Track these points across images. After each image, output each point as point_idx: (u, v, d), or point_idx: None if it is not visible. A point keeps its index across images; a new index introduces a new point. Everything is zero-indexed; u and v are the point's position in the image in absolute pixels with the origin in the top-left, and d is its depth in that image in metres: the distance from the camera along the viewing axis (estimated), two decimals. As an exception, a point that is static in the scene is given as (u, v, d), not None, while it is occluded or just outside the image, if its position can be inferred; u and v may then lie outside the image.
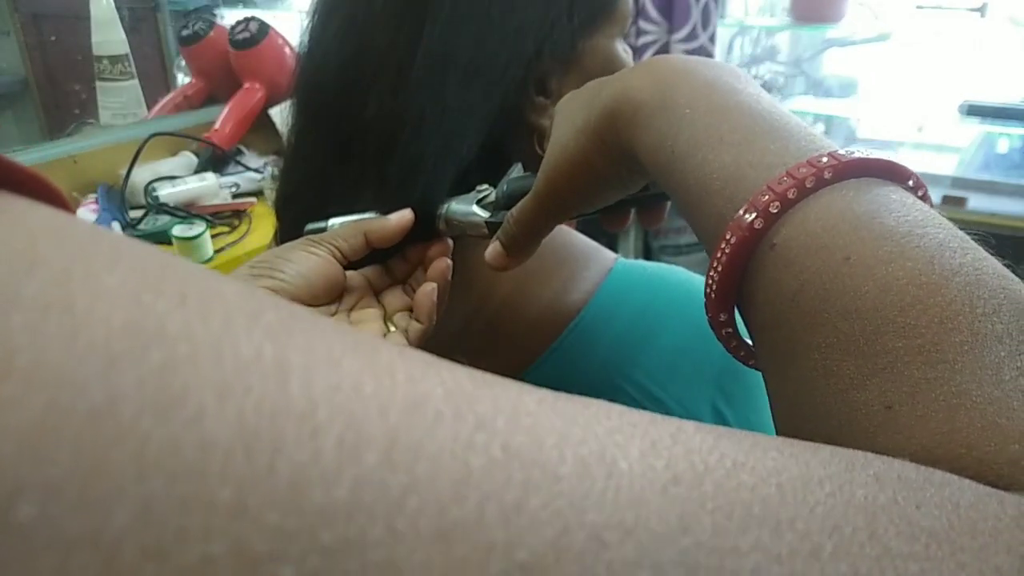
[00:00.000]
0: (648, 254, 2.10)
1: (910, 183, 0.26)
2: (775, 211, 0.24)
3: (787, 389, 0.25)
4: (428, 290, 0.42)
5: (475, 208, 0.42)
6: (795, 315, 0.24)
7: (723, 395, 0.47)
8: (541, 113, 0.45)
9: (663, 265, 0.51)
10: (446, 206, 0.43)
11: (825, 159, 0.24)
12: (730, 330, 0.29)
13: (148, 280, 0.13)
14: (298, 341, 0.14)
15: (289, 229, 0.47)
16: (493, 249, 0.39)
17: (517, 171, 0.43)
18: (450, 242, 0.45)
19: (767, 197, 0.24)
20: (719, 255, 0.26)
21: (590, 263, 0.50)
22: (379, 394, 0.13)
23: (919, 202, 0.25)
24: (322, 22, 0.45)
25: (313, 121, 0.46)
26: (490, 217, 0.41)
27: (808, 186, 0.24)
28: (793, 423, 0.24)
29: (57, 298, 0.12)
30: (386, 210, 0.43)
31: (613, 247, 2.00)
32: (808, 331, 0.23)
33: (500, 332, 0.48)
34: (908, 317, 0.21)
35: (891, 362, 0.21)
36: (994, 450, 0.19)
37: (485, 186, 0.42)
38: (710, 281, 0.27)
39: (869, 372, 0.21)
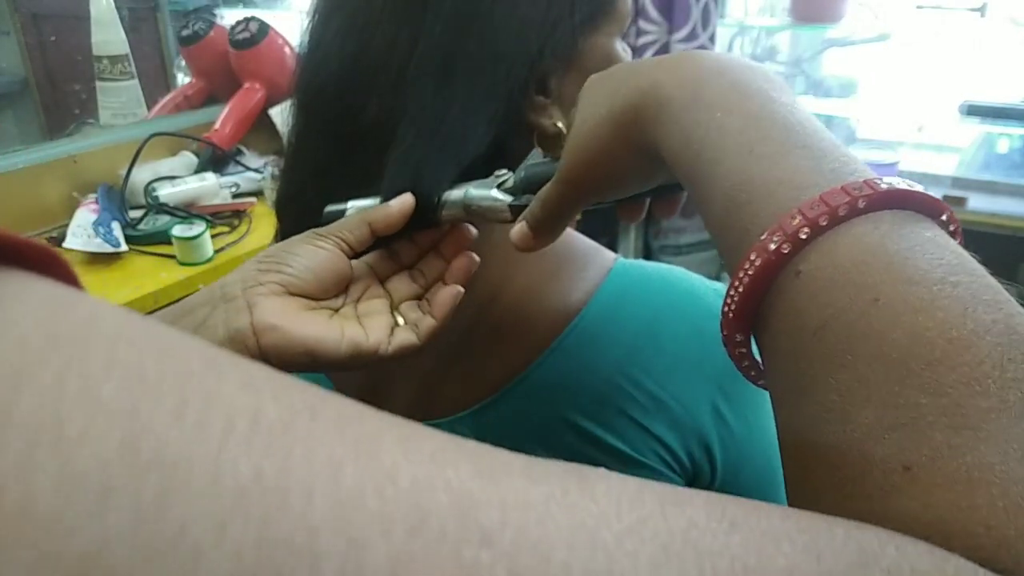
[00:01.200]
0: (648, 254, 2.10)
1: (943, 218, 0.25)
2: (804, 237, 0.23)
3: (798, 423, 0.24)
4: (454, 292, 0.42)
5: (495, 192, 0.42)
6: (816, 351, 0.23)
7: (723, 394, 0.48)
8: (541, 112, 0.45)
9: (663, 265, 0.51)
10: (464, 191, 0.42)
11: (860, 187, 0.23)
12: (744, 350, 0.28)
13: (146, 385, 0.13)
14: (298, 451, 0.13)
15: (290, 229, 0.47)
16: (519, 229, 0.39)
17: (536, 156, 0.43)
18: (474, 231, 0.44)
19: (797, 221, 0.23)
20: (741, 275, 0.25)
21: (590, 263, 0.50)
22: (383, 510, 0.13)
23: (953, 243, 0.24)
24: (322, 22, 0.45)
25: (314, 121, 0.46)
26: (514, 200, 0.41)
27: (840, 214, 0.23)
28: (801, 460, 0.24)
29: (49, 420, 0.11)
30: None
31: (613, 247, 2.00)
32: (828, 370, 0.22)
33: (502, 332, 0.48)
34: (935, 373, 0.20)
35: (913, 419, 0.20)
36: (1014, 535, 0.18)
37: (503, 171, 0.42)
38: (729, 300, 0.26)
39: (889, 425, 0.20)
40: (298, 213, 0.47)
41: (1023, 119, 1.64)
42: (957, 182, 1.79)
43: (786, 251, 0.24)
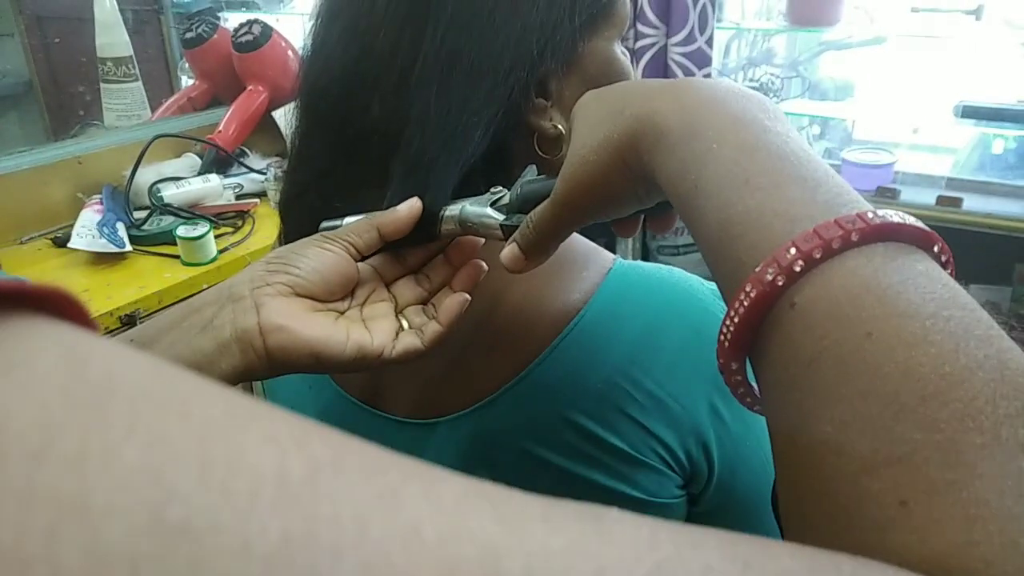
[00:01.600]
0: (646, 254, 2.11)
1: (936, 249, 0.25)
2: (798, 270, 0.24)
3: (795, 456, 0.24)
4: (461, 300, 0.43)
5: (489, 210, 0.42)
6: (810, 383, 0.23)
7: (720, 394, 0.48)
8: (541, 115, 0.46)
9: (661, 266, 0.52)
10: (460, 207, 0.43)
11: (853, 220, 0.24)
12: (739, 378, 0.28)
13: (169, 447, 0.12)
14: (324, 511, 0.13)
15: (294, 230, 0.48)
16: (510, 251, 0.39)
17: (531, 173, 0.43)
18: (481, 241, 0.45)
19: (792, 254, 0.24)
20: (737, 305, 0.25)
21: (589, 264, 0.51)
22: (410, 566, 0.13)
23: (945, 276, 0.24)
24: (325, 26, 0.46)
25: (317, 124, 0.47)
26: (505, 220, 0.41)
27: (834, 247, 0.23)
28: (797, 492, 0.24)
29: (74, 492, 0.11)
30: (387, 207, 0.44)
31: (611, 247, 2.02)
32: (823, 403, 0.22)
33: (503, 333, 0.49)
34: (929, 409, 0.20)
35: (908, 453, 0.20)
36: (1012, 571, 0.18)
37: (499, 188, 0.43)
38: (724, 330, 0.26)
39: (884, 460, 0.20)
40: (301, 214, 0.47)
41: (1018, 120, 1.65)
42: (952, 183, 1.81)
43: (781, 283, 0.24)
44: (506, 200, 0.42)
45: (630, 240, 2.02)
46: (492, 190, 0.43)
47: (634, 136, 0.32)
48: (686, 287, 0.50)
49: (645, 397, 0.47)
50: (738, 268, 0.26)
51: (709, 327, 0.49)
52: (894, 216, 0.24)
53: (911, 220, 0.25)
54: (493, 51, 0.43)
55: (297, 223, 0.47)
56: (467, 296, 0.43)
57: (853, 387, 0.22)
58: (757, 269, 0.24)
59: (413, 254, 0.46)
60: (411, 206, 0.42)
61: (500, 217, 0.42)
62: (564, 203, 0.36)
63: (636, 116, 0.32)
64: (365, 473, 0.15)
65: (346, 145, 0.45)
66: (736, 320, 0.25)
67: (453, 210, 0.43)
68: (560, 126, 0.47)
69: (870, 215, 0.24)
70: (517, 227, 0.40)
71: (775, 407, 0.25)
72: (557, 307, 0.48)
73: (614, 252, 0.53)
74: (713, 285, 0.52)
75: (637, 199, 0.35)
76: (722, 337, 0.26)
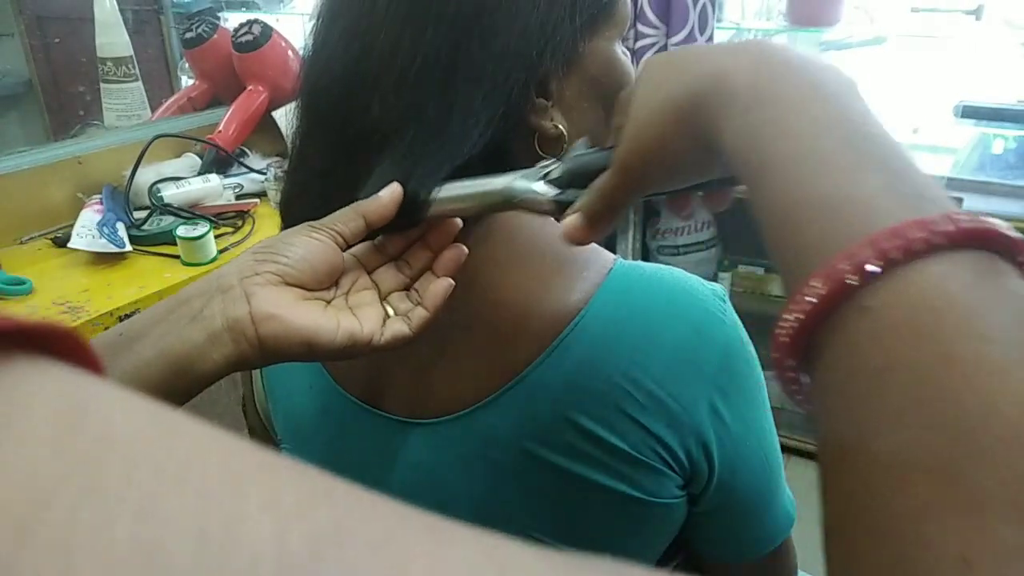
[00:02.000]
0: (646, 254, 2.11)
1: (1022, 259, 0.23)
2: (874, 270, 0.21)
3: (848, 482, 0.21)
4: (445, 285, 0.43)
5: (539, 184, 0.41)
6: (874, 399, 0.21)
7: (720, 394, 0.48)
8: (541, 114, 0.46)
9: (662, 266, 0.52)
10: (507, 181, 0.42)
11: (939, 221, 0.21)
12: (793, 375, 0.25)
13: (165, 518, 0.12)
14: None
15: (305, 209, 0.47)
16: (573, 221, 0.38)
17: (582, 146, 0.42)
18: (459, 223, 0.45)
19: (868, 252, 0.21)
20: (801, 301, 0.23)
21: (590, 264, 0.51)
22: None
23: None
24: (326, 26, 0.46)
25: (317, 124, 0.47)
26: (558, 195, 0.41)
27: (917, 250, 0.21)
28: (847, 527, 0.21)
29: (59, 573, 0.10)
30: None
31: (612, 247, 2.01)
32: (887, 426, 0.20)
33: (502, 331, 0.49)
34: (1008, 454, 0.18)
35: (979, 504, 0.18)
36: None
37: (549, 161, 0.42)
38: (785, 325, 0.24)
39: (951, 506, 0.18)
40: (302, 214, 0.47)
41: (1018, 120, 1.66)
42: (952, 183, 1.81)
43: (853, 283, 0.22)
44: (556, 173, 0.41)
45: (630, 240, 2.02)
46: (541, 164, 0.42)
47: (699, 95, 0.29)
48: (687, 287, 0.50)
49: (645, 397, 0.47)
50: (804, 258, 0.23)
51: (709, 327, 0.49)
52: (985, 222, 0.22)
53: (1003, 226, 0.22)
54: (494, 52, 0.43)
55: (297, 222, 0.47)
56: (451, 281, 0.43)
57: (923, 414, 0.19)
58: (829, 265, 0.22)
59: (393, 241, 0.46)
60: (392, 191, 0.42)
61: (552, 191, 0.41)
62: (624, 169, 0.34)
63: (704, 74, 0.29)
64: (370, 545, 0.14)
65: (346, 145, 0.45)
66: (801, 316, 0.23)
67: (498, 182, 0.42)
68: (561, 126, 0.47)
69: (960, 217, 0.22)
70: (569, 202, 0.39)
71: (831, 414, 0.23)
72: (557, 307, 0.48)
73: (614, 251, 0.54)
74: (714, 286, 0.52)
75: (699, 165, 0.33)
76: (781, 332, 0.24)
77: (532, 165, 0.44)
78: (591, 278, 0.49)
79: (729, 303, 0.52)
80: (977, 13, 1.72)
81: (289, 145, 0.51)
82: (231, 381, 1.12)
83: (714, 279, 2.12)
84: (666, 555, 0.57)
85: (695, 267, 2.07)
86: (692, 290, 0.50)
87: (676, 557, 0.60)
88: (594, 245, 0.53)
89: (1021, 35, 1.61)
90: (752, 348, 0.52)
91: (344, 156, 0.46)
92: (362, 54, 0.44)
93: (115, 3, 1.38)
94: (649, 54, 1.75)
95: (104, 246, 1.06)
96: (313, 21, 0.48)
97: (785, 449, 2.41)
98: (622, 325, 0.48)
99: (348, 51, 0.44)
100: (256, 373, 0.63)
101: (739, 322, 0.51)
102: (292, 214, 0.49)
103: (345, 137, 0.45)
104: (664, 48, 1.74)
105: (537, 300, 0.49)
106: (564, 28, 0.45)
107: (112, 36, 1.39)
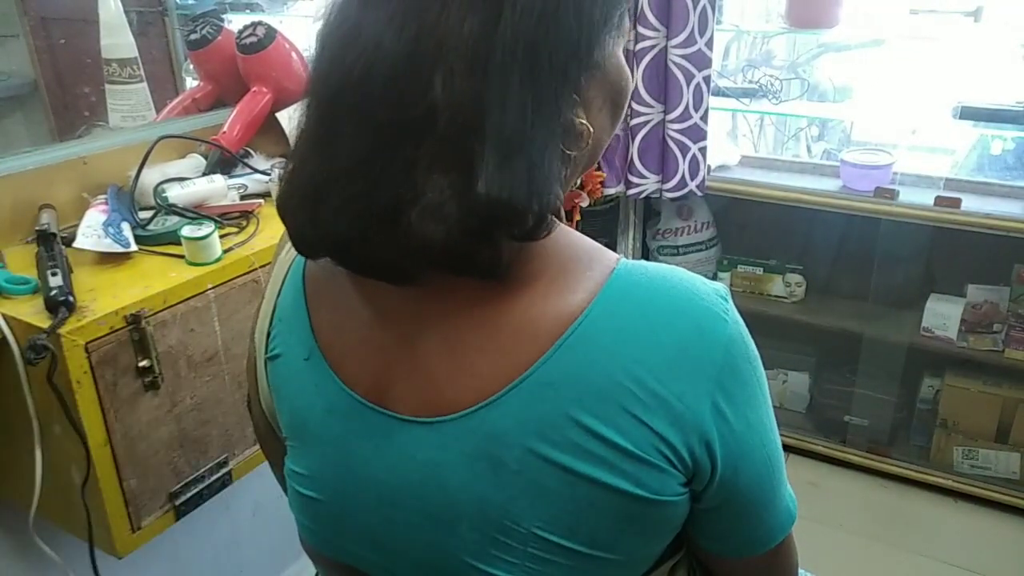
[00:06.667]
0: (646, 254, 2.12)
1: None
2: None
3: None
4: None
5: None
6: None
7: (723, 392, 0.49)
8: (576, 110, 0.48)
9: (665, 265, 0.52)
10: None
11: None
12: None
13: None
14: None
15: (334, 215, 0.47)
16: None
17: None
18: None
19: None
20: None
21: (594, 263, 0.51)
22: None
23: None
24: (359, 13, 0.46)
25: (349, 114, 0.46)
26: None
27: None
28: None
29: None
30: (485, 191, 0.44)
31: (613, 248, 2.02)
32: None
33: (507, 330, 0.49)
34: None
35: None
36: None
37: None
38: None
39: None
40: (345, 199, 0.47)
41: (1016, 121, 1.66)
42: (951, 183, 1.82)
43: None
44: None
45: (630, 240, 2.03)
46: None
47: None
48: (690, 286, 0.51)
49: (649, 396, 0.47)
50: None
51: (712, 326, 0.50)
52: None
53: None
54: (561, 42, 0.45)
55: (338, 209, 0.47)
56: None
57: None
58: None
59: None
60: None
61: None
62: None
63: None
64: None
65: (388, 132, 0.45)
66: None
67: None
68: (586, 123, 0.48)
69: None
70: None
71: None
72: (561, 306, 0.49)
73: (615, 251, 0.54)
74: (717, 285, 0.53)
75: None
76: None
77: (556, 158, 0.46)
78: (595, 277, 0.50)
79: (732, 302, 0.52)
80: (976, 15, 1.73)
81: (293, 144, 0.51)
82: (235, 380, 1.13)
83: (713, 279, 2.13)
84: (669, 551, 0.58)
85: (694, 267, 2.08)
86: (695, 289, 0.51)
87: (678, 552, 0.61)
88: (598, 245, 0.54)
89: (1020, 36, 1.62)
90: (754, 346, 0.53)
91: (384, 145, 0.45)
92: (421, 34, 0.44)
93: (120, 4, 1.39)
94: (649, 56, 1.76)
95: (109, 246, 1.07)
96: (326, 20, 0.48)
97: (785, 448, 2.43)
98: (626, 324, 0.48)
99: (402, 32, 0.44)
100: (261, 372, 0.64)
101: (741, 320, 0.52)
102: (328, 199, 0.48)
103: (386, 124, 0.45)
104: (664, 50, 1.75)
105: (541, 299, 0.49)
106: (605, 28, 0.48)
107: (117, 37, 1.40)
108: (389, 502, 0.53)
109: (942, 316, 1.83)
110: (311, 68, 0.50)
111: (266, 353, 0.62)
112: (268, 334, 0.62)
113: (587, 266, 0.51)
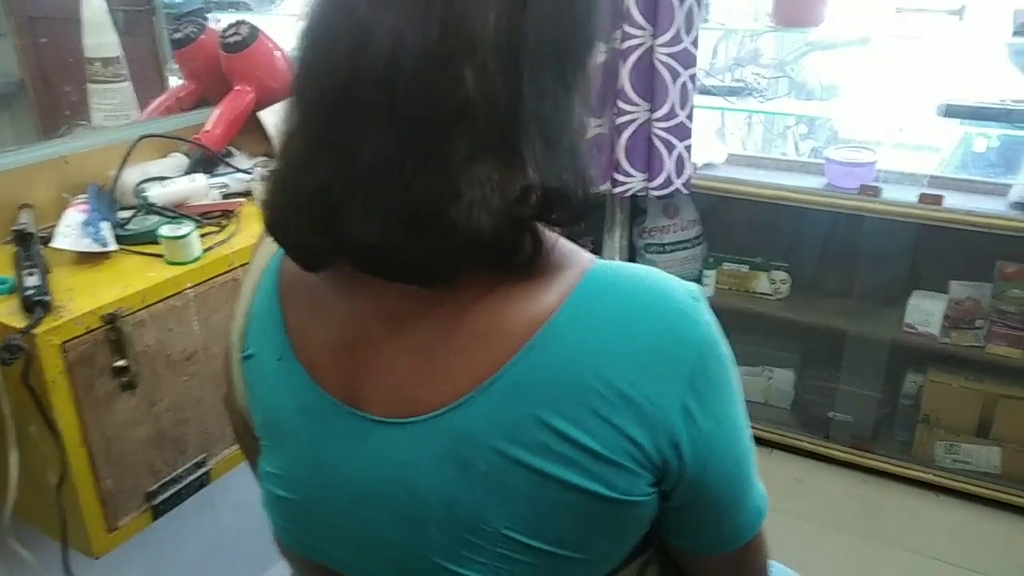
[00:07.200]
0: (632, 252, 2.12)
1: None
2: None
3: None
4: None
5: None
6: None
7: (693, 393, 0.49)
8: (584, 104, 0.50)
9: (640, 266, 0.52)
10: None
11: None
12: None
13: None
14: None
15: (361, 221, 0.46)
16: None
17: None
18: None
19: None
20: None
21: (567, 265, 0.51)
22: None
23: None
24: (372, 14, 0.44)
25: (374, 110, 0.45)
26: None
27: None
28: None
29: None
30: (539, 179, 0.45)
31: (599, 246, 2.03)
32: None
33: (478, 332, 0.49)
34: None
35: None
36: None
37: None
38: None
39: None
40: (386, 196, 0.45)
41: (999, 119, 1.67)
42: (934, 181, 1.82)
43: None
44: None
45: (617, 239, 2.03)
46: None
47: None
48: (663, 288, 0.51)
49: (618, 398, 0.47)
50: None
51: (683, 328, 0.50)
52: None
53: None
54: (580, 36, 0.48)
55: (377, 205, 0.46)
56: None
57: None
58: None
59: None
60: None
61: None
62: None
63: None
64: None
65: (428, 125, 0.44)
66: None
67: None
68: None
69: None
70: None
71: None
72: (533, 308, 0.49)
73: (601, 251, 0.55)
74: (690, 285, 0.53)
75: None
76: None
77: (585, 146, 0.49)
78: (567, 279, 0.50)
79: (704, 301, 0.52)
80: (960, 13, 1.73)
81: (288, 158, 0.50)
82: (214, 379, 1.13)
83: (699, 276, 2.14)
84: (639, 548, 0.58)
85: (681, 265, 2.09)
86: (667, 290, 0.51)
87: (648, 549, 0.61)
88: (574, 246, 0.53)
89: (1004, 34, 1.62)
90: (726, 346, 0.53)
91: (417, 143, 0.44)
92: (446, 30, 0.43)
93: (103, 3, 1.39)
94: (635, 55, 1.76)
95: (88, 245, 1.07)
96: (323, 13, 0.47)
97: (768, 443, 2.42)
98: (597, 326, 0.48)
99: (426, 28, 0.43)
100: (237, 371, 0.64)
101: (713, 321, 0.52)
102: (332, 222, 0.47)
103: (422, 119, 0.44)
104: (650, 49, 1.75)
105: (513, 301, 0.49)
106: (601, 29, 0.50)
107: (100, 36, 1.40)
108: (361, 502, 0.54)
109: (925, 312, 1.84)
110: (303, 71, 0.48)
111: (241, 352, 0.62)
112: (243, 333, 0.62)
113: (561, 267, 0.51)
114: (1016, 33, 1.57)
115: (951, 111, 1.71)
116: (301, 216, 0.49)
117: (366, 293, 0.52)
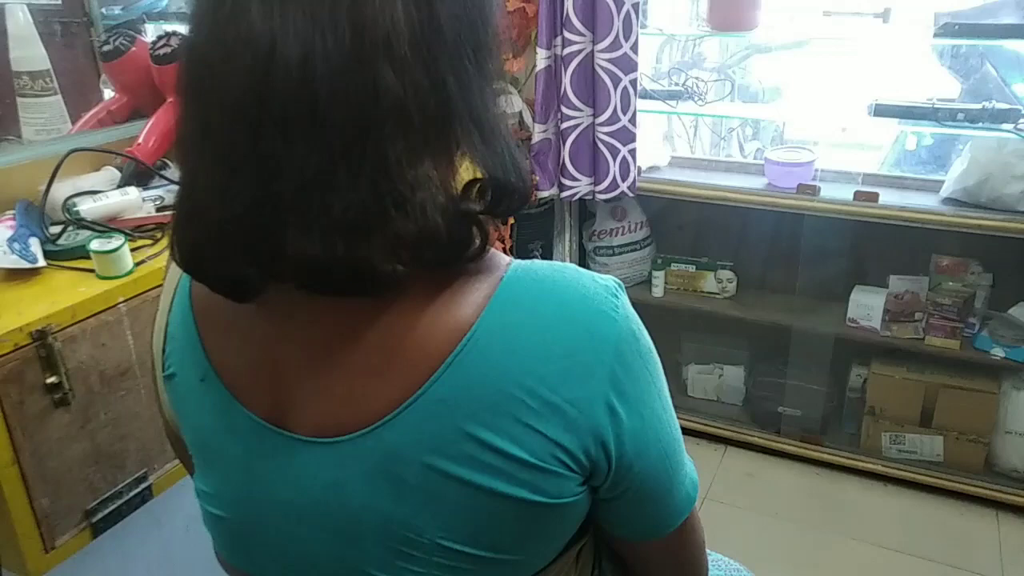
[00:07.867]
0: (582, 255, 2.14)
1: None
2: None
3: None
4: None
5: None
6: None
7: (616, 391, 0.49)
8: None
9: (556, 265, 0.52)
10: None
11: None
12: None
13: None
14: None
15: (301, 238, 0.44)
16: None
17: None
18: None
19: None
20: None
21: (483, 273, 0.51)
22: None
23: None
24: (281, 17, 0.42)
25: (295, 120, 0.42)
26: None
27: None
28: None
29: None
30: (485, 174, 0.46)
31: (548, 250, 2.04)
32: None
33: (400, 350, 0.49)
34: None
35: None
36: None
37: None
38: None
39: None
40: (294, 236, 0.43)
41: (926, 118, 1.73)
42: (869, 178, 1.88)
43: None
44: None
45: (567, 242, 2.05)
46: None
47: None
48: (578, 288, 0.51)
49: (542, 405, 0.48)
50: None
51: (601, 327, 0.50)
52: None
53: None
54: (488, 24, 0.48)
55: (267, 257, 0.45)
56: None
57: None
58: None
59: None
60: None
61: None
62: None
63: None
64: None
65: (357, 128, 0.42)
66: None
67: None
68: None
69: None
70: None
71: None
72: (451, 322, 0.48)
73: (551, 254, 0.55)
74: (607, 280, 0.53)
75: None
76: None
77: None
78: (483, 290, 0.50)
79: (623, 295, 0.52)
80: (884, 16, 1.79)
81: (186, 176, 0.48)
82: (151, 394, 1.11)
83: (648, 277, 2.17)
84: (574, 538, 0.59)
85: (630, 266, 2.11)
86: (583, 290, 0.50)
87: (583, 538, 0.62)
88: (493, 252, 0.52)
89: (927, 36, 1.69)
90: (647, 338, 0.53)
91: (349, 147, 0.42)
92: (356, 28, 0.42)
93: (28, 16, 1.36)
94: (576, 60, 1.78)
95: (15, 262, 1.05)
96: (211, 25, 0.44)
97: (720, 440, 2.45)
98: (514, 335, 0.48)
99: (336, 29, 0.42)
100: (162, 388, 0.63)
101: (632, 315, 0.52)
102: (269, 246, 0.44)
103: (350, 121, 0.42)
104: (591, 55, 1.78)
105: (433, 315, 0.49)
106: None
107: (27, 49, 1.37)
108: (294, 520, 0.53)
109: (866, 307, 1.89)
110: (196, 92, 0.45)
111: (163, 371, 0.61)
112: (163, 351, 0.61)
113: (476, 277, 0.50)
114: (937, 35, 1.63)
115: (881, 110, 1.76)
116: (225, 246, 0.46)
117: (286, 315, 0.51)
